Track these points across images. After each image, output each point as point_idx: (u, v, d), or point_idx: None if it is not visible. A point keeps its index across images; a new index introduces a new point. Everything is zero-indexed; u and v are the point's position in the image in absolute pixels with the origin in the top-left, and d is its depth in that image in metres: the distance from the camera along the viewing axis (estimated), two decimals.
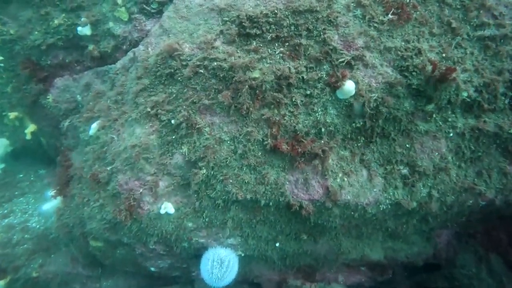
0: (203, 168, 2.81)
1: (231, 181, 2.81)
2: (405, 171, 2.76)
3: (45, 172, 5.29)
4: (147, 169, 2.99)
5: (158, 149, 2.96)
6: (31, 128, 4.48)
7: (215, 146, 2.77)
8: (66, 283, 4.34)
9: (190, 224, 3.10)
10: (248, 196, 2.83)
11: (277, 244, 3.29)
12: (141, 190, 3.04)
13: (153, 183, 2.99)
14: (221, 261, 3.12)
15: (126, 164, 3.04)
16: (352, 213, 2.87)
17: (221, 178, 2.82)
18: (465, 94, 2.60)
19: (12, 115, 4.48)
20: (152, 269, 3.90)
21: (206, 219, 3.06)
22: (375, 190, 2.78)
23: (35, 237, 4.39)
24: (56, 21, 3.82)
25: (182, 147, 2.87)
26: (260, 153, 2.76)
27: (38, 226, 4.56)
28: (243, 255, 3.36)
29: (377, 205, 2.81)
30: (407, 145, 2.74)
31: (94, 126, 3.53)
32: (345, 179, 2.75)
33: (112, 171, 3.15)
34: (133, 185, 3.04)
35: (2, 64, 4.23)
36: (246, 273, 3.77)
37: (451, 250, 3.46)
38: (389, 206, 2.82)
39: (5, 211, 4.60)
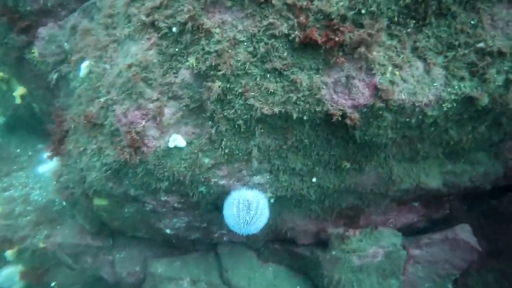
0: (217, 80, 2.25)
1: (252, 93, 2.25)
2: (472, 56, 2.16)
3: (43, 146, 4.82)
4: (148, 94, 2.45)
5: (159, 67, 2.41)
6: (20, 91, 4.00)
7: (229, 50, 2.21)
8: (76, 255, 3.86)
9: (206, 160, 2.55)
10: (276, 110, 2.26)
11: (314, 179, 2.72)
12: (143, 123, 2.50)
13: (157, 110, 2.45)
14: (248, 203, 2.56)
15: (123, 92, 2.50)
16: (408, 119, 2.29)
17: (240, 90, 2.26)
18: None
19: None
20: (168, 231, 3.38)
21: (226, 151, 2.50)
22: (435, 84, 2.18)
23: (37, 209, 3.94)
24: None
25: (188, 58, 2.31)
26: (286, 53, 2.18)
27: (40, 199, 4.10)
28: (273, 198, 2.80)
29: (439, 105, 2.22)
30: (472, 22, 2.14)
31: (84, 65, 3.00)
32: (397, 73, 2.16)
33: (107, 104, 2.61)
34: (133, 116, 2.50)
35: None
36: (278, 225, 3.22)
37: None
38: (454, 105, 2.22)
39: (5, 184, 4.16)
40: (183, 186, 2.71)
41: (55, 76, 3.57)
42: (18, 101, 3.99)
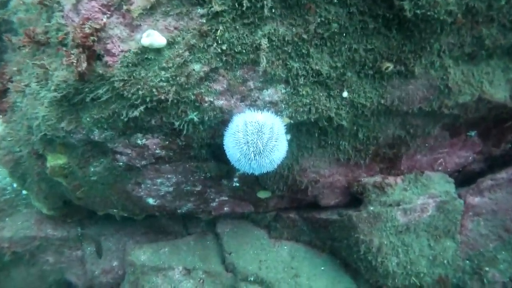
0: None
1: None
2: None
3: None
4: None
5: None
6: None
7: None
8: (32, 253, 2.97)
9: (197, 67, 1.81)
10: None
11: (346, 94, 1.99)
12: (104, 18, 1.75)
13: None
14: (259, 125, 1.81)
15: None
16: None
17: None
18: None
19: None
20: (151, 201, 2.58)
21: (223, 47, 1.76)
22: None
23: None
24: None
25: None
26: None
27: None
28: (291, 122, 2.05)
29: None
30: None
31: None
32: None
33: (54, 1, 1.87)
34: (88, 9, 1.75)
35: None
36: (295, 176, 2.44)
37: None
38: None
39: None
40: (166, 113, 1.94)
41: None
42: None
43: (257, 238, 3.04)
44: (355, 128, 2.20)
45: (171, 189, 2.51)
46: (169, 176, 2.41)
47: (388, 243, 2.46)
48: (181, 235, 3.18)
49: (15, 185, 3.15)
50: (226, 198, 2.69)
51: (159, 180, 2.43)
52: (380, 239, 2.46)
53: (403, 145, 2.36)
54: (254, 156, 1.80)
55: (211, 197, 2.66)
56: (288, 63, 1.84)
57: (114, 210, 2.72)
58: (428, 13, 1.70)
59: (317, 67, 1.85)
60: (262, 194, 2.65)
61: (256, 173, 1.91)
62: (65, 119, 2.02)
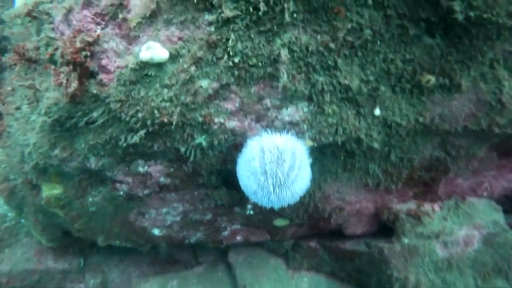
0: None
1: None
2: None
3: None
4: None
5: None
6: None
7: None
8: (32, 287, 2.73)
9: (204, 83, 1.55)
10: None
11: (378, 111, 1.71)
12: (98, 29, 1.52)
13: (116, 2, 1.48)
14: (279, 151, 1.53)
15: None
16: None
17: None
18: None
19: None
20: (156, 231, 2.32)
21: (236, 59, 1.50)
22: None
23: None
24: None
25: None
26: None
27: None
28: (314, 146, 1.77)
29: None
30: None
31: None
32: None
33: (43, 11, 1.64)
34: (80, 20, 1.52)
35: None
36: (316, 204, 2.15)
37: None
38: None
39: None
40: (169, 137, 1.68)
41: None
42: None
43: (273, 269, 2.74)
44: (386, 149, 1.90)
45: (177, 218, 2.24)
46: (175, 205, 2.14)
47: (426, 281, 2.13)
48: (190, 265, 2.90)
49: None
50: (239, 227, 2.41)
51: (164, 210, 2.17)
52: (417, 277, 2.13)
53: (442, 167, 2.05)
54: (274, 189, 1.52)
55: (223, 225, 2.38)
56: (312, 76, 1.56)
57: (117, 242, 2.46)
58: (484, 15, 1.41)
59: (345, 81, 1.57)
60: (280, 222, 2.36)
61: (276, 207, 1.62)
62: (58, 146, 1.79)
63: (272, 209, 2.19)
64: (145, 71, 1.53)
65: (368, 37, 1.49)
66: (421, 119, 1.75)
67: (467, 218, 2.15)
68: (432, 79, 1.62)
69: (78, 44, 1.46)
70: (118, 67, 1.54)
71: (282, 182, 1.52)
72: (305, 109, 1.65)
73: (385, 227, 2.30)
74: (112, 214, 2.19)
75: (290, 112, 1.65)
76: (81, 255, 2.86)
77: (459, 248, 2.11)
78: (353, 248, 2.41)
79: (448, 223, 2.14)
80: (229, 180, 1.98)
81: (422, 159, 1.99)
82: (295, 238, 2.60)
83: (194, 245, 2.93)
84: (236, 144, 1.73)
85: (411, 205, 2.16)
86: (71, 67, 1.49)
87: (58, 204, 2.14)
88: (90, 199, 2.09)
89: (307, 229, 2.48)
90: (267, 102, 1.62)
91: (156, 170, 1.89)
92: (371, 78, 1.60)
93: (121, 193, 2.01)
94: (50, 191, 2.08)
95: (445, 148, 1.95)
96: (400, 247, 2.14)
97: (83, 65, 1.51)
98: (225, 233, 2.43)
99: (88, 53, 1.51)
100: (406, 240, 2.13)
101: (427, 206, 2.16)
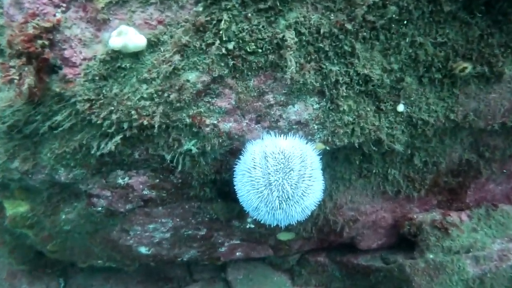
0: None
1: None
2: None
3: None
4: None
5: None
6: None
7: None
8: None
9: (191, 76, 1.25)
10: None
11: (401, 107, 1.42)
12: (56, 12, 1.22)
13: None
14: (285, 156, 1.24)
15: None
16: None
17: None
18: None
19: None
20: (143, 250, 2.02)
21: (229, 45, 1.20)
22: None
23: None
24: None
25: None
26: None
27: None
28: (326, 149, 1.48)
29: None
30: None
31: None
32: None
33: None
34: (34, 1, 1.22)
35: None
36: (326, 215, 1.86)
37: None
38: None
39: None
40: (152, 143, 1.38)
41: None
42: None
43: (277, 287, 2.45)
44: (409, 152, 1.62)
45: (167, 235, 1.95)
46: (163, 220, 1.85)
47: None
48: (184, 282, 2.62)
49: None
50: (238, 242, 2.13)
51: (151, 226, 1.87)
52: None
53: (473, 172, 1.77)
54: (280, 204, 1.23)
55: (219, 241, 2.10)
56: (324, 66, 1.27)
57: (99, 261, 2.16)
58: None
59: (364, 71, 1.29)
60: (284, 236, 2.09)
61: (282, 224, 1.33)
62: (18, 156, 1.48)
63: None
64: (118, 63, 1.23)
65: (393, 16, 1.20)
66: (452, 116, 1.47)
67: (500, 229, 1.88)
68: (468, 66, 1.34)
69: (30, 30, 1.16)
70: (84, 58, 1.25)
71: (289, 196, 1.23)
72: (316, 106, 1.36)
73: (403, 239, 2.02)
74: (91, 232, 1.89)
75: (298, 110, 1.36)
76: (60, 276, 2.55)
77: (493, 264, 1.83)
78: (367, 263, 2.13)
79: (479, 235, 1.86)
80: (226, 191, 1.69)
81: (450, 162, 1.72)
82: (302, 252, 2.31)
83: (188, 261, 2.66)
84: (232, 150, 1.44)
85: (435, 214, 1.88)
86: (24, 59, 1.19)
87: (25, 224, 1.84)
88: (63, 216, 1.79)
89: (315, 243, 2.20)
90: (270, 98, 1.33)
91: (138, 181, 1.59)
92: (395, 67, 1.31)
93: (99, 208, 1.71)
94: (15, 209, 1.77)
95: (477, 150, 1.67)
96: (424, 264, 1.85)
97: (40, 57, 1.22)
98: (223, 249, 2.15)
99: (46, 42, 1.21)
100: (431, 256, 1.85)
101: (454, 216, 1.88)
